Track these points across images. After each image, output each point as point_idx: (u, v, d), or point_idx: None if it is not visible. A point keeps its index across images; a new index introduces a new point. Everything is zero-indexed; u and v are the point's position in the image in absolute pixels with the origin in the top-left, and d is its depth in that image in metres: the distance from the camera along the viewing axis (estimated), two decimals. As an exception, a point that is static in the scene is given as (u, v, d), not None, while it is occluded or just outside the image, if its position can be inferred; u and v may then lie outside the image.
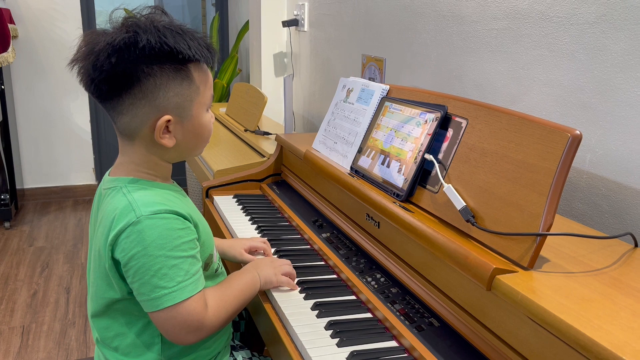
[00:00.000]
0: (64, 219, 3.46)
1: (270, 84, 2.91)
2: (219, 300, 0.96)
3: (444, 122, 1.09)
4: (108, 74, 0.87)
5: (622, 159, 1.08)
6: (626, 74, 1.06)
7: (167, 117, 0.91)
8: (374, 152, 1.27)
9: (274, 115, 2.81)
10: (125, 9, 0.95)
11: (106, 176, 1.00)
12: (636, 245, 0.95)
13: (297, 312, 1.02)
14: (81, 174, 3.85)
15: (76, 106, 3.73)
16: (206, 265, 1.01)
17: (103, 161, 3.96)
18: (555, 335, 0.69)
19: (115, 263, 0.90)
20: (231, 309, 0.99)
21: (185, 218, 0.92)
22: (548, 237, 0.84)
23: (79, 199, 3.84)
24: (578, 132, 0.82)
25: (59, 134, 3.73)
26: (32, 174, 3.73)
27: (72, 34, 3.63)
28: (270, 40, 2.85)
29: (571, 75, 1.18)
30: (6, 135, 3.37)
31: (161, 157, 0.97)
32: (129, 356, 0.98)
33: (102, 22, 4.23)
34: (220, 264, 1.11)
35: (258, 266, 1.09)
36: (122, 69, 0.87)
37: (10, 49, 3.16)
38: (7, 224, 3.26)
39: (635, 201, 1.06)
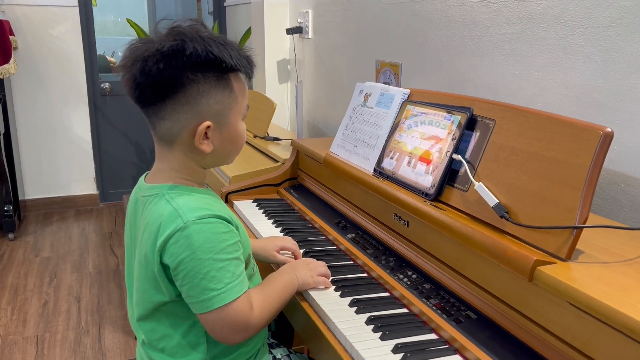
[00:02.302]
0: (67, 229, 3.46)
1: (274, 90, 2.94)
2: (262, 300, 0.99)
3: (470, 123, 1.14)
4: (155, 79, 0.91)
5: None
6: (642, 74, 1.12)
7: (207, 123, 0.94)
8: (398, 153, 1.31)
9: (278, 121, 2.85)
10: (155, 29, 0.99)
11: (142, 182, 1.03)
12: (661, 236, 0.99)
13: (336, 309, 1.05)
14: (82, 184, 3.86)
15: (76, 116, 3.74)
16: (245, 265, 1.04)
17: (104, 171, 3.96)
18: (602, 320, 0.73)
19: (164, 267, 0.93)
20: (274, 308, 1.02)
21: (228, 221, 0.95)
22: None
23: (80, 208, 3.84)
24: (609, 129, 0.87)
25: (59, 145, 3.73)
26: (34, 185, 3.73)
27: (71, 45, 3.64)
28: (274, 48, 2.88)
29: (587, 77, 1.24)
30: (8, 146, 3.36)
31: (198, 163, 1.00)
32: (176, 357, 1.00)
33: (100, 31, 4.23)
34: (255, 262, 1.15)
35: (295, 268, 1.13)
36: (168, 74, 0.91)
37: (12, 61, 3.17)
38: (11, 235, 3.25)
39: (654, 195, 1.11)
